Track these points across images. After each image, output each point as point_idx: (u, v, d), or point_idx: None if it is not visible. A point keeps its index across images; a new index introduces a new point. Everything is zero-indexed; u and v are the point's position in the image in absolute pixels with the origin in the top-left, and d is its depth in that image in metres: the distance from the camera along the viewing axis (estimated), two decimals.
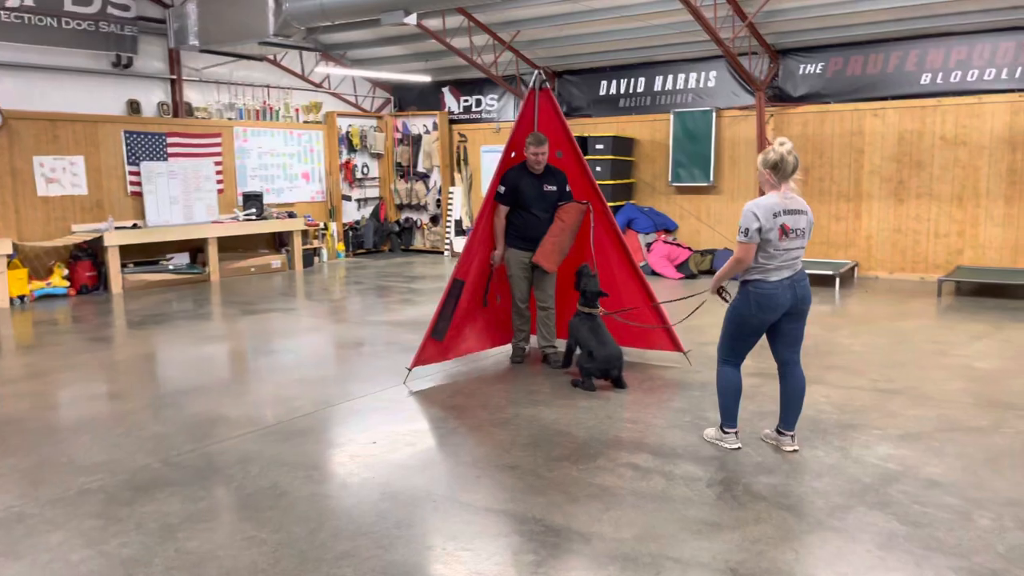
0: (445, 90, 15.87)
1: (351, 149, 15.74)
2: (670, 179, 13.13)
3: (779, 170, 4.49)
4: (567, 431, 5.22)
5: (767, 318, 4.61)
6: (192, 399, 6.06)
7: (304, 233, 14.17)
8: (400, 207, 16.43)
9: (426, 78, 14.78)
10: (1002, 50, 10.50)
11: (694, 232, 13.17)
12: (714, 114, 12.60)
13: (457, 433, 5.24)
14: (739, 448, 4.83)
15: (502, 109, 15.21)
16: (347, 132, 15.60)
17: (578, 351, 6.45)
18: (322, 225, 15.02)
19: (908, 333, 8.01)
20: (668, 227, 13.21)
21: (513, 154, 6.77)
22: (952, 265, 11.07)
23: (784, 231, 4.49)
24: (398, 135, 16.20)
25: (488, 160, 15.40)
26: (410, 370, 6.46)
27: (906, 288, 10.73)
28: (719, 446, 4.88)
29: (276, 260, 13.65)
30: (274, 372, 6.89)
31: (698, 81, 12.94)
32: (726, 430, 4.87)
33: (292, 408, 5.81)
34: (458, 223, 15.64)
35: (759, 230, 4.44)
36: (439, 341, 6.55)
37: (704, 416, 5.47)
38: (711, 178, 12.74)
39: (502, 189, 6.67)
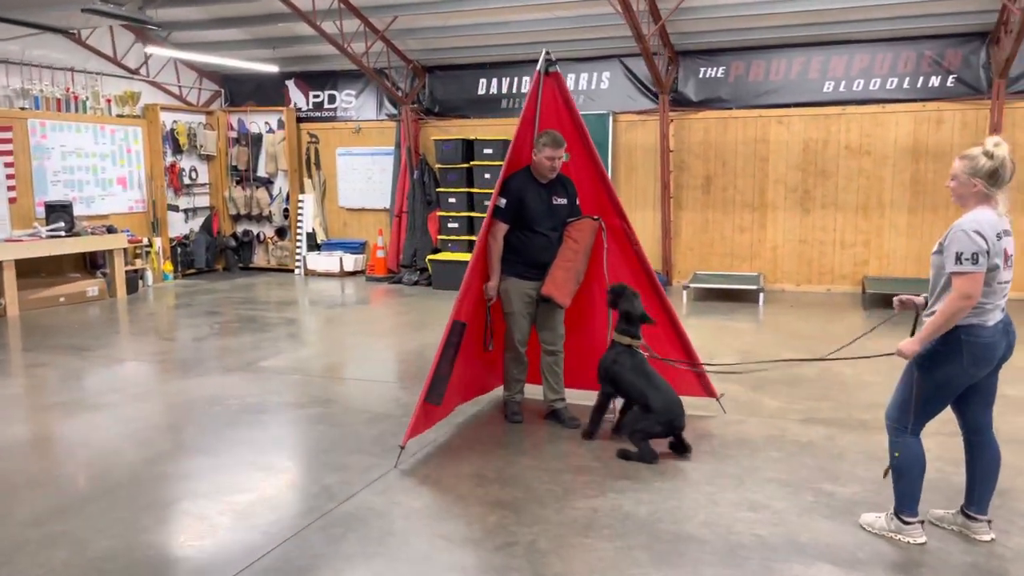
0: (290, 83, 13.72)
1: (177, 150, 13.14)
2: None
3: (997, 179, 3.45)
4: (684, 531, 3.86)
5: (979, 374, 3.56)
6: None
7: (124, 252, 11.48)
8: (237, 218, 14.02)
9: (271, 68, 12.61)
10: (903, 59, 10.50)
11: None
12: (611, 118, 11.71)
13: (547, 556, 3.68)
14: (925, 542, 3.73)
15: (362, 107, 13.37)
16: (172, 129, 12.99)
17: (613, 406, 5.13)
18: (145, 241, 12.34)
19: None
20: None
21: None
22: (859, 276, 10.96)
23: (1006, 257, 3.47)
24: (233, 134, 13.80)
25: (345, 164, 13.50)
26: (403, 447, 4.76)
27: (816, 301, 10.42)
28: (899, 541, 3.75)
29: (92, 286, 10.91)
30: (99, 469, 4.88)
31: (590, 82, 11.99)
32: (907, 520, 3.75)
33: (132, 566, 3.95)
34: (311, 236, 13.58)
35: (988, 253, 3.37)
36: (436, 406, 4.91)
37: (820, 488, 4.34)
38: None
39: (503, 203, 5.21)
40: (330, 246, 13.54)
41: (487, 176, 11.72)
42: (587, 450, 5.00)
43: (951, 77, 10.35)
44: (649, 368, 4.97)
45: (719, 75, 11.33)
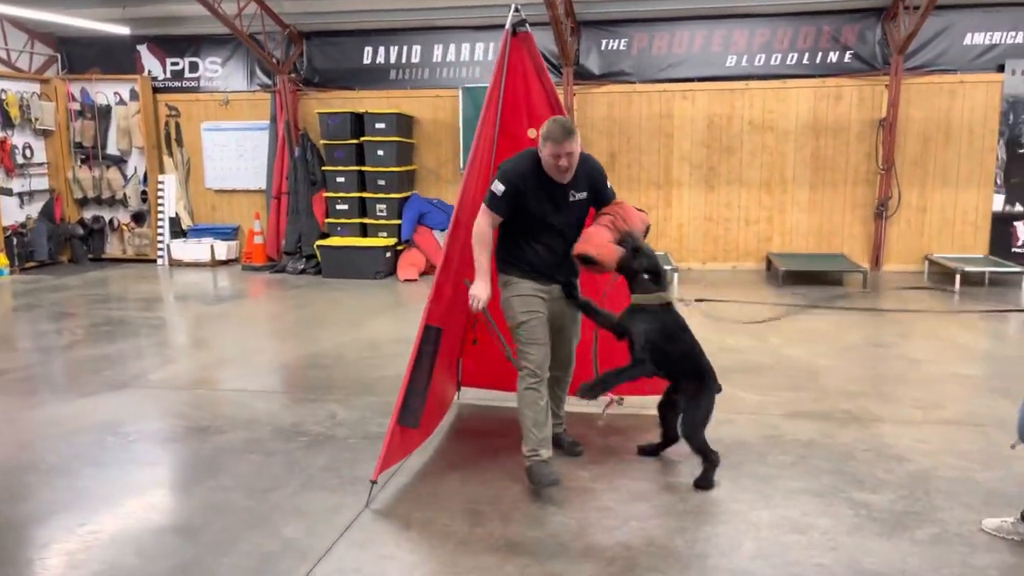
0: (142, 48, 12.09)
1: (8, 123, 11.26)
2: (462, 165, 11.30)
3: None
4: (740, 567, 3.30)
5: None
6: None
7: None
8: (84, 202, 12.25)
9: (120, 30, 10.99)
10: (803, 34, 10.48)
11: None
12: None
13: None
14: None
15: (230, 76, 11.98)
16: (1, 99, 11.10)
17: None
18: None
19: (848, 338, 7.30)
20: None
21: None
22: (762, 253, 10.93)
23: None
24: (75, 106, 12.01)
25: (212, 140, 12.08)
26: (374, 482, 3.94)
27: (723, 279, 10.28)
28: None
29: None
30: None
31: (486, 52, 11.26)
32: None
33: None
34: (174, 221, 12.08)
35: None
36: (413, 428, 4.11)
37: (852, 498, 3.92)
38: None
39: (499, 189, 3.98)
40: (198, 232, 12.11)
41: (380, 153, 10.78)
42: (578, 466, 4.36)
43: (848, 53, 10.42)
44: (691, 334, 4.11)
45: (622, 47, 10.91)
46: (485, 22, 10.91)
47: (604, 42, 10.94)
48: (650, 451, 4.45)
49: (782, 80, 10.57)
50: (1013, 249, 10.28)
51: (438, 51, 11.37)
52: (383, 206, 10.93)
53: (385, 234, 10.95)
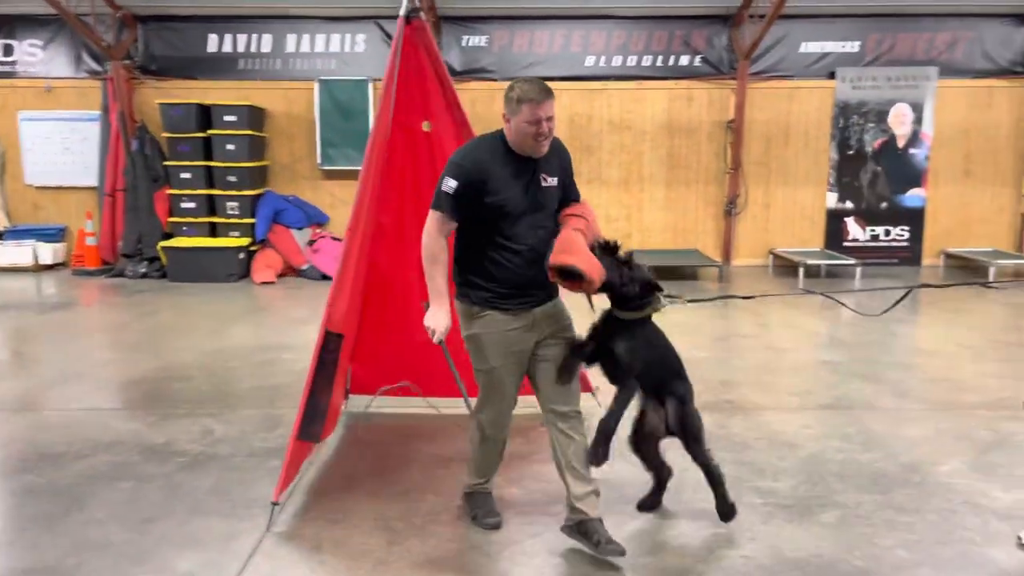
0: None
1: None
2: (319, 161, 10.81)
3: None
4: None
5: None
6: None
7: None
8: None
9: None
10: (656, 38, 10.83)
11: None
12: (370, 85, 10.68)
13: None
14: None
15: (52, 61, 10.83)
16: None
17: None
18: None
19: (717, 330, 7.57)
20: (320, 220, 10.90)
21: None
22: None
23: None
24: None
25: (32, 131, 10.88)
26: (276, 504, 3.60)
27: None
28: None
29: None
30: None
31: (343, 44, 10.84)
32: None
33: None
34: None
35: None
36: (314, 443, 3.80)
37: (758, 487, 4.03)
38: None
39: (452, 185, 3.19)
40: (17, 234, 10.87)
41: (230, 147, 10.13)
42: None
43: (698, 57, 10.89)
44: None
45: (483, 44, 10.85)
46: (343, 13, 10.51)
47: (465, 39, 10.82)
48: (650, 504, 3.78)
49: (638, 81, 10.89)
50: (844, 243, 11.13)
51: (291, 41, 10.82)
52: (235, 204, 10.26)
53: (237, 234, 10.29)
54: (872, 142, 10.95)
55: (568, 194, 3.47)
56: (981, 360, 6.41)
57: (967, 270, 10.63)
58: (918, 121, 10.85)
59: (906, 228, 11.08)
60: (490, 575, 3.21)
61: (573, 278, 3.15)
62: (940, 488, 4.01)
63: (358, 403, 5.05)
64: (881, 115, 10.85)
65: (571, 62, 10.85)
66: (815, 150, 11.00)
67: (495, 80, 10.82)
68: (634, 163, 11.06)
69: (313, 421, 3.72)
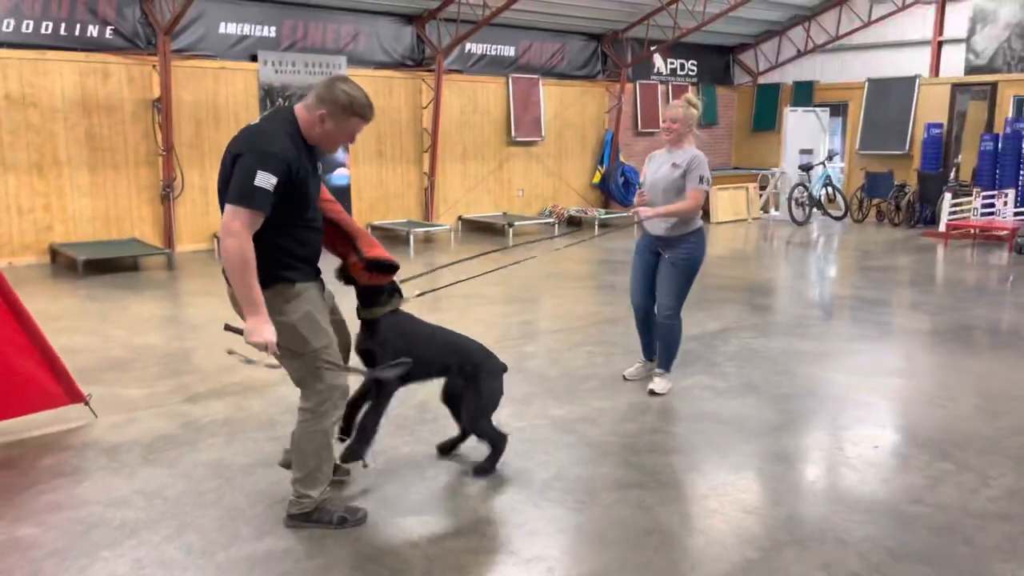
0: None
1: None
2: None
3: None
4: None
5: None
6: None
7: None
8: None
9: None
10: (56, 3, 9.54)
11: None
12: None
13: None
14: None
15: None
16: None
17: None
18: None
19: (184, 317, 7.07)
20: None
21: None
22: (44, 244, 9.71)
23: None
24: None
25: None
26: None
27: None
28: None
29: None
30: None
31: None
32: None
33: None
34: None
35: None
36: None
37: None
38: None
39: (272, 181, 2.94)
40: None
41: None
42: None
43: (108, 28, 9.95)
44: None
45: None
46: None
47: None
48: (448, 448, 4.09)
49: (40, 51, 9.46)
50: None
51: None
52: None
53: None
54: None
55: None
56: None
57: (391, 238, 12.00)
58: None
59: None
60: None
61: (385, 271, 3.45)
62: None
63: None
64: (303, 98, 11.45)
65: None
66: None
67: None
68: (47, 145, 9.63)
69: None
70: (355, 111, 3.15)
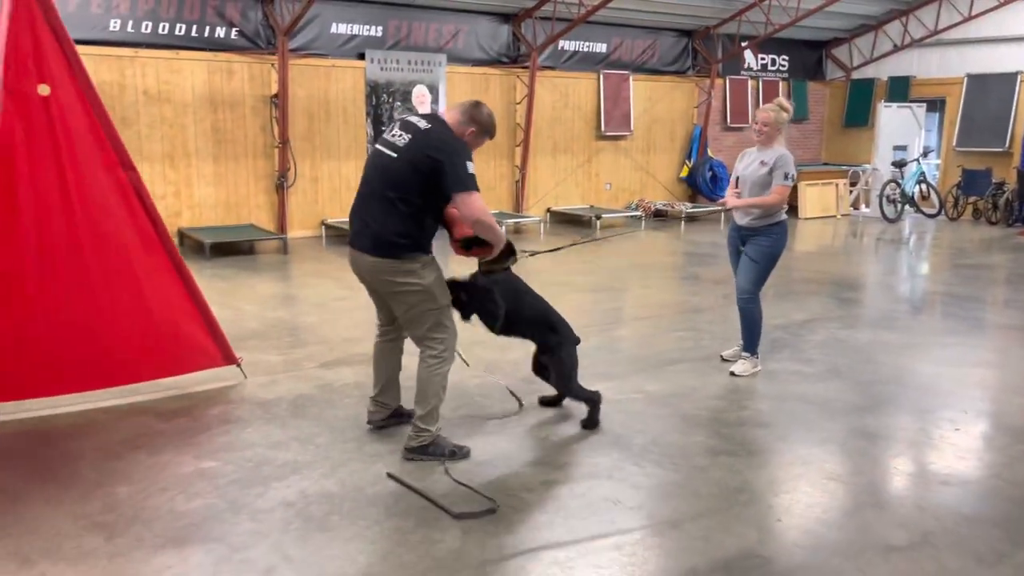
0: None
1: None
2: None
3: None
4: None
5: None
6: None
7: None
8: None
9: None
10: (189, 6, 10.42)
11: None
12: None
13: None
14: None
15: None
16: None
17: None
18: None
19: (307, 296, 7.76)
20: None
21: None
22: (173, 228, 10.61)
23: None
24: None
25: None
26: None
27: None
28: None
29: None
30: None
31: None
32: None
33: None
34: None
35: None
36: None
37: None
38: None
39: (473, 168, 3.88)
40: None
41: None
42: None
43: (234, 30, 10.79)
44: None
45: None
46: None
47: None
48: (548, 402, 4.78)
49: (173, 51, 10.37)
50: None
51: None
52: None
53: None
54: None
55: None
56: None
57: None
58: (436, 101, 12.39)
59: None
60: (248, 531, 3.22)
61: (477, 244, 4.06)
62: None
63: None
64: (406, 95, 12.13)
65: (91, 23, 9.82)
66: (353, 126, 11.81)
67: None
68: (178, 137, 10.54)
69: None
70: (491, 133, 4.11)
